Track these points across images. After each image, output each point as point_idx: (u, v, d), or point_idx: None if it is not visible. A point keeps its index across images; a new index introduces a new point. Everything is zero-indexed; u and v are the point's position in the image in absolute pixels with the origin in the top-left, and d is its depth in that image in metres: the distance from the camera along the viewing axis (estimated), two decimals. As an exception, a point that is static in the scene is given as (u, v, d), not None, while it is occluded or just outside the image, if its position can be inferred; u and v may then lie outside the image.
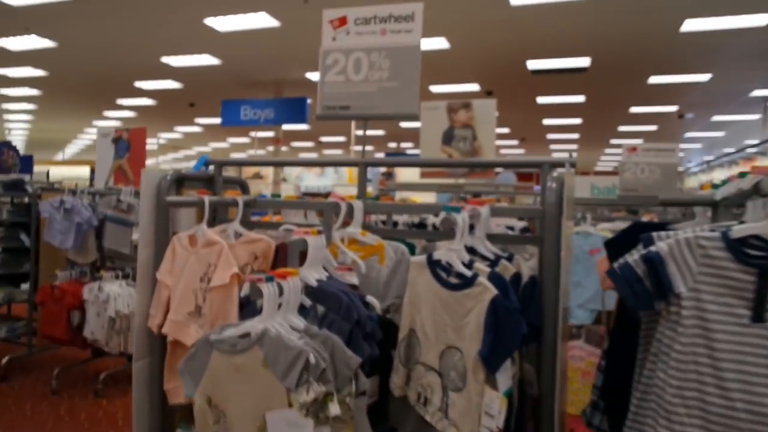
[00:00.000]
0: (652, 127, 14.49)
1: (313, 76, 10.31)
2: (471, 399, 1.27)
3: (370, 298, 1.52)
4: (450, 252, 1.36)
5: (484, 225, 1.52)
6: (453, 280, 1.36)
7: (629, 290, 1.21)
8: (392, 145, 18.81)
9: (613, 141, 17.23)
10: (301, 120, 10.61)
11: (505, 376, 1.27)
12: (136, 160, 4.08)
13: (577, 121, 13.98)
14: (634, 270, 1.19)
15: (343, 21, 1.89)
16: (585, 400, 2.87)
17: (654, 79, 9.73)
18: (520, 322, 1.23)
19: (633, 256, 1.21)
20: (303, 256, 1.54)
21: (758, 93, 10.14)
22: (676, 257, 1.14)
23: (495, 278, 1.31)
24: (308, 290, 1.48)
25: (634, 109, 12.39)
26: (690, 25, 6.90)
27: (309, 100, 10.64)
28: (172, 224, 1.86)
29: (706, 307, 1.11)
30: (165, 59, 9.53)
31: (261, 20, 7.35)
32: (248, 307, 1.63)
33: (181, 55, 9.31)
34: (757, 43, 7.40)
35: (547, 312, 1.42)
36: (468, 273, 1.32)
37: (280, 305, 1.38)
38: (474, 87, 10.57)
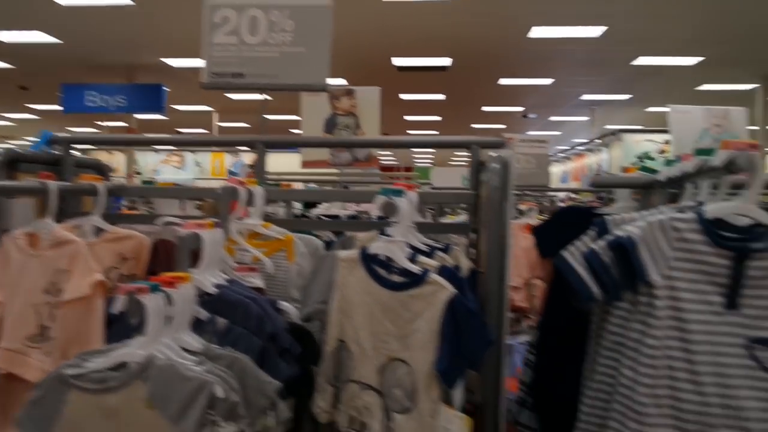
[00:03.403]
0: (501, 126, 15.59)
1: (171, 61, 9.36)
2: (423, 421, 1.06)
3: (283, 305, 1.24)
4: (390, 244, 1.13)
5: (413, 211, 1.31)
6: (396, 278, 1.13)
7: (592, 279, 1.08)
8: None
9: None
10: (157, 109, 9.57)
11: (460, 391, 1.07)
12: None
13: (437, 118, 14.55)
14: (600, 258, 1.07)
15: (234, -30, 1.55)
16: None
17: (504, 81, 10.40)
18: (484, 327, 1.04)
19: (598, 243, 1.09)
20: (193, 256, 1.21)
21: (587, 97, 11.35)
22: (648, 242, 1.03)
23: (448, 273, 1.10)
24: (205, 299, 1.16)
25: (485, 108, 13.19)
26: (536, 32, 7.44)
27: (166, 88, 9.62)
28: (3, 218, 1.39)
29: (680, 295, 1.02)
30: (-10, 34, 7.99)
31: (113, -4, 6.42)
32: (118, 325, 1.25)
33: (13, 30, 7.84)
34: (591, 52, 8.23)
35: (491, 310, 1.26)
36: (416, 269, 1.10)
37: (167, 321, 1.04)
38: (341, 81, 10.42)
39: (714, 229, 1.01)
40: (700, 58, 8.36)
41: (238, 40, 1.61)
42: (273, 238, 1.48)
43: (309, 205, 3.87)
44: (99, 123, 14.82)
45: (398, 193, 1.12)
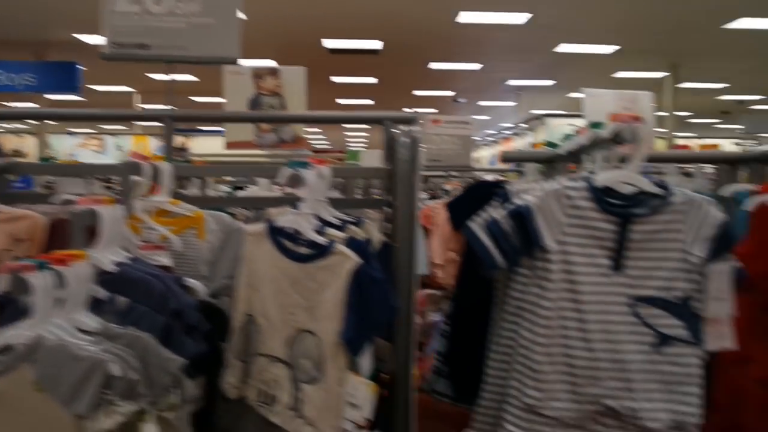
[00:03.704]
0: (433, 110, 15.81)
1: (85, 37, 8.75)
2: (331, 390, 1.07)
3: (190, 281, 1.21)
4: (297, 217, 1.13)
5: (326, 187, 1.31)
6: (303, 250, 1.12)
7: (494, 247, 1.12)
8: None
9: (400, 123, 18.39)
10: (71, 88, 8.93)
11: (368, 358, 1.09)
12: None
13: (369, 101, 14.54)
14: (501, 226, 1.11)
15: (134, -66, 1.46)
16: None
17: (434, 65, 10.53)
18: (389, 294, 1.06)
19: (498, 212, 1.13)
20: (92, 234, 1.16)
21: (513, 83, 11.71)
22: (544, 209, 1.08)
23: (355, 245, 1.11)
24: (104, 278, 1.11)
25: (417, 92, 13.33)
26: (464, 17, 7.57)
27: (81, 66, 8.98)
28: None
29: (572, 259, 1.08)
30: None
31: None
32: (8, 310, 1.18)
33: None
34: (516, 38, 8.48)
35: (401, 281, 1.29)
36: (322, 240, 1.10)
37: (59, 302, 0.99)
38: (270, 63, 10.17)
39: (602, 197, 1.08)
40: (616, 47, 8.81)
41: (141, 8, 1.53)
42: (182, 215, 1.43)
43: (237, 189, 3.82)
44: (5, 104, 13.72)
45: (304, 165, 1.12)
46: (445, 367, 1.69)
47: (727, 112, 14.27)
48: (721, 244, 1.06)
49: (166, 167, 1.40)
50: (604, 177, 1.09)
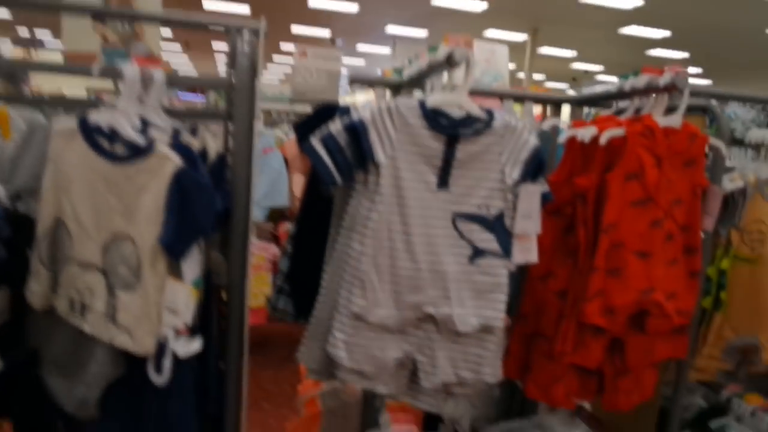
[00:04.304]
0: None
1: None
2: (148, 296, 1.02)
3: (-13, 182, 1.06)
4: (115, 114, 1.02)
5: (159, 92, 1.21)
6: (120, 150, 1.03)
7: (331, 161, 1.13)
8: (24, 32, 14.86)
9: (275, 57, 17.64)
10: None
11: (193, 265, 1.05)
12: None
13: (242, 32, 13.68)
14: (336, 140, 1.11)
15: None
16: (256, 292, 2.97)
17: (312, 2, 10.17)
18: (212, 198, 1.02)
19: (335, 126, 1.13)
20: None
21: (390, 29, 11.73)
22: (377, 125, 1.10)
23: (179, 147, 1.05)
24: None
25: (294, 28, 12.81)
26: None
27: None
28: None
29: (401, 174, 1.12)
30: None
31: None
32: None
33: None
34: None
35: (238, 195, 1.25)
36: (141, 141, 1.02)
37: None
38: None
39: (433, 116, 1.12)
40: (485, 5, 9.15)
41: None
42: (-18, 111, 1.25)
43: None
44: None
45: (122, 55, 1.01)
46: (287, 285, 1.71)
47: (575, 79, 15.74)
48: (533, 167, 1.16)
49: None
50: (435, 98, 1.13)
